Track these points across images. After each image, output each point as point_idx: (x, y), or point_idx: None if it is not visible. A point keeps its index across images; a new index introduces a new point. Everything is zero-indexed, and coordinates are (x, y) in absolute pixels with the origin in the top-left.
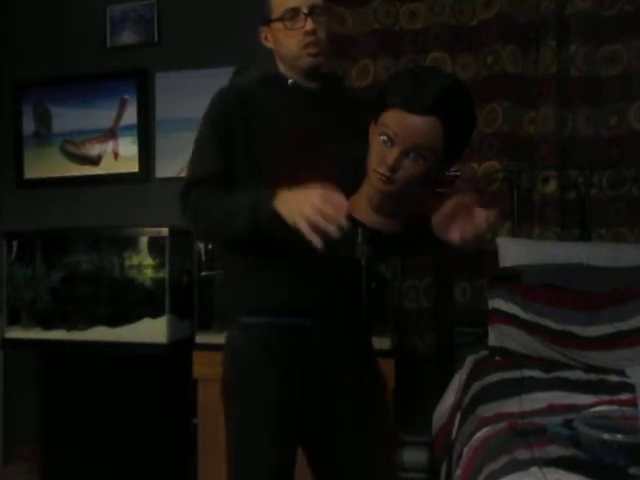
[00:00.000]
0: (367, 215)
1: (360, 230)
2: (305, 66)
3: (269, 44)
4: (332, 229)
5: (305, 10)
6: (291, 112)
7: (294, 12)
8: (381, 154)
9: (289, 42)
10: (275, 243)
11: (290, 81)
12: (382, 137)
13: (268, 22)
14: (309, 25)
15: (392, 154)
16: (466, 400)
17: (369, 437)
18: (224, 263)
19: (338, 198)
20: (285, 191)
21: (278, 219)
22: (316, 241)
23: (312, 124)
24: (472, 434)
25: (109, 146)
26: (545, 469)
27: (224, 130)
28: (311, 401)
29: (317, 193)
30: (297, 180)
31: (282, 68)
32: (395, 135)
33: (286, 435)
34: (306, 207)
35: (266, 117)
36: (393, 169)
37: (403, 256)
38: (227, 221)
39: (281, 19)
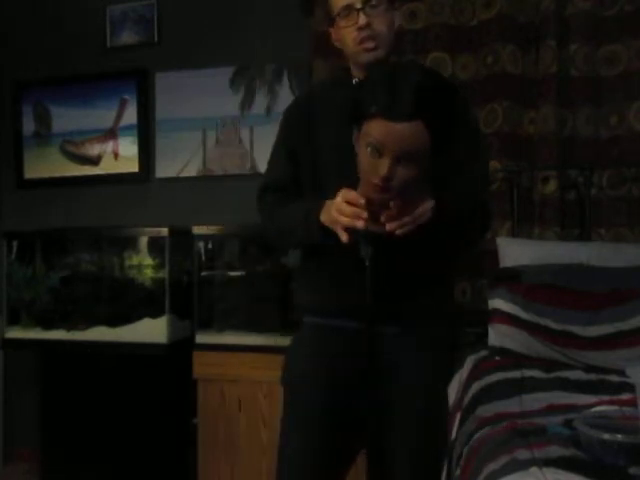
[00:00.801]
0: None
1: (361, 231)
2: (364, 61)
3: (338, 44)
4: (360, 224)
5: (358, 5)
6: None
7: (349, 8)
8: (372, 165)
9: (347, 39)
10: (324, 248)
11: (355, 80)
12: (369, 148)
13: (331, 22)
14: (362, 20)
15: (383, 165)
16: (466, 400)
17: (417, 443)
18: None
19: (353, 195)
20: (328, 201)
21: (326, 230)
22: (343, 236)
23: None
24: (472, 434)
25: (109, 146)
26: (545, 469)
27: (290, 136)
28: (360, 402)
29: (339, 196)
30: (354, 178)
31: (351, 67)
32: (382, 146)
33: (330, 437)
34: (335, 212)
35: (329, 117)
36: (388, 179)
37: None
38: (288, 232)
39: (338, 17)
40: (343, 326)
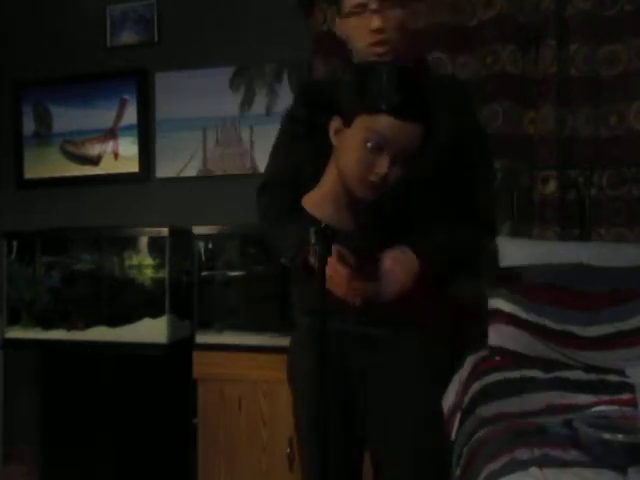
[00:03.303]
0: (332, 215)
1: (313, 230)
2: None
3: (343, 36)
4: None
5: (373, 6)
6: None
7: (362, 7)
8: (368, 161)
9: (357, 38)
10: None
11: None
12: (369, 143)
13: (340, 14)
14: (376, 23)
15: (384, 162)
16: (466, 400)
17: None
18: None
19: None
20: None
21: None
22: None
23: None
24: (472, 434)
25: (109, 146)
26: (545, 469)
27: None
28: (354, 401)
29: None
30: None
31: (354, 58)
32: (386, 142)
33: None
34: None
35: None
36: (385, 177)
37: None
38: (276, 249)
39: (350, 14)
40: (340, 327)
